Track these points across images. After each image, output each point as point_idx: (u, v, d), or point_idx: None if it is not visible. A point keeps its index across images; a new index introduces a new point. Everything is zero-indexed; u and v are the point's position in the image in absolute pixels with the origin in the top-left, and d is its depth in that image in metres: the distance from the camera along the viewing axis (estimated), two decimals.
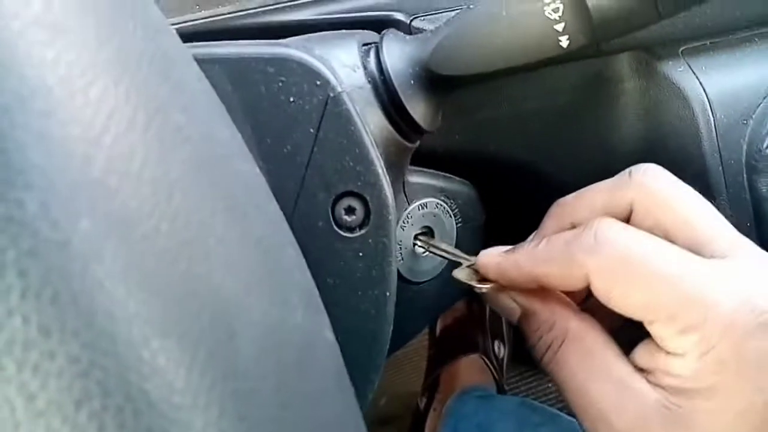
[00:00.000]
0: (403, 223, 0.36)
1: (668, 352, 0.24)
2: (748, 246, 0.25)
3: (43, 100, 0.13)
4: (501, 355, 0.91)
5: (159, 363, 0.13)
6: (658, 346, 0.25)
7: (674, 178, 0.27)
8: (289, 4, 0.34)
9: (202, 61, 0.26)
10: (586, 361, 0.26)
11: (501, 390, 0.85)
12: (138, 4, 0.17)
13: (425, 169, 0.37)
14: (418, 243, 0.35)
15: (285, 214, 0.26)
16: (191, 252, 0.15)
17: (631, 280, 0.24)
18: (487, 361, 0.86)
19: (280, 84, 0.26)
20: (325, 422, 0.18)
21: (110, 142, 0.14)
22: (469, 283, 0.30)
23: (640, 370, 0.25)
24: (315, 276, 0.25)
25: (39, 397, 0.12)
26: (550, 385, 0.93)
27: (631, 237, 0.25)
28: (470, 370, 0.87)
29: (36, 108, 0.13)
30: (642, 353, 0.25)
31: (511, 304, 0.29)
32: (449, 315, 0.88)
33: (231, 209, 0.17)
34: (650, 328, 0.24)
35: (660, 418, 0.24)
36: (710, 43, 0.34)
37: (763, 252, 0.25)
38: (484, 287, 0.29)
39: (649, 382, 0.25)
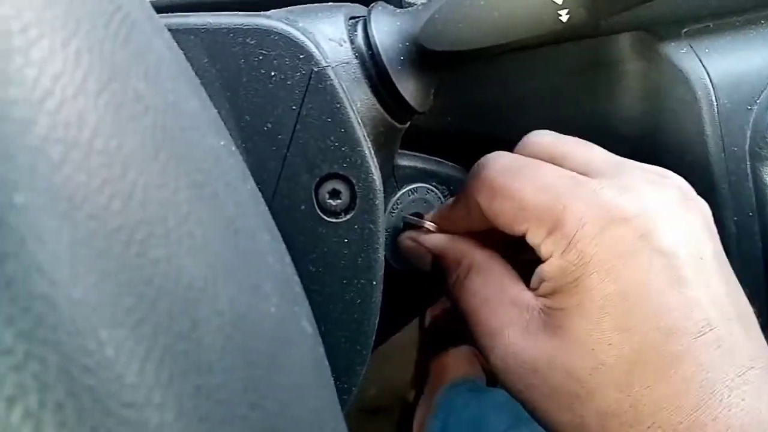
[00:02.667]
0: (392, 208, 0.34)
1: (543, 260, 0.26)
2: (631, 168, 0.28)
3: None
4: None
5: (107, 355, 0.12)
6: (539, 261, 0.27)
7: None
8: None
9: (176, 32, 0.25)
10: (486, 286, 0.28)
11: (491, 382, 0.84)
12: None
13: (416, 153, 0.35)
14: (410, 221, 0.34)
15: (265, 196, 0.25)
16: (148, 232, 0.13)
17: (504, 191, 0.27)
18: (477, 353, 0.85)
19: (261, 57, 0.25)
20: (299, 420, 0.16)
21: (54, 108, 0.12)
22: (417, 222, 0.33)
23: (532, 289, 0.28)
24: (297, 263, 0.23)
25: None
26: None
27: (510, 157, 0.29)
28: (460, 362, 0.86)
29: None
30: (534, 276, 0.27)
31: (421, 250, 0.32)
32: (438, 306, 0.87)
33: (197, 187, 0.15)
34: (528, 239, 0.27)
35: (540, 324, 0.26)
36: (714, 24, 0.32)
37: (645, 168, 0.28)
38: (430, 226, 0.33)
39: (535, 296, 0.27)
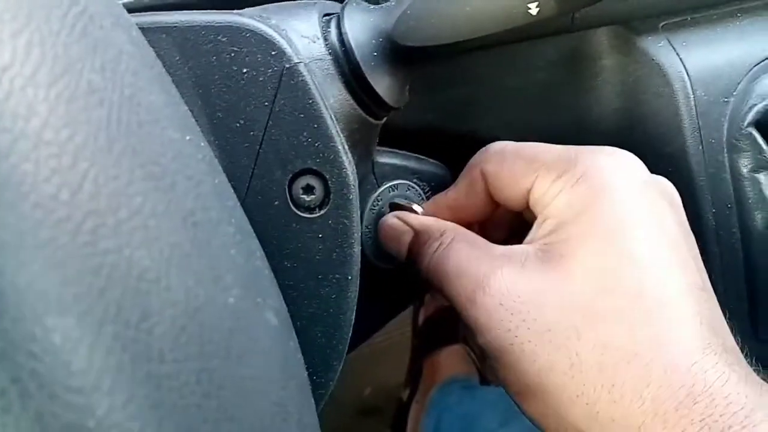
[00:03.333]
0: (372, 205, 0.34)
1: (546, 204, 0.27)
2: None
3: None
4: None
5: (54, 342, 0.12)
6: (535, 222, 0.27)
7: None
8: None
9: (147, 30, 0.25)
10: (473, 247, 0.28)
11: (484, 380, 0.84)
12: None
13: (396, 150, 0.35)
14: (399, 203, 0.34)
15: (238, 193, 0.25)
16: (97, 223, 0.13)
17: (515, 152, 0.29)
18: (470, 351, 0.85)
19: (233, 54, 0.25)
20: (259, 411, 0.16)
21: (1, 98, 0.12)
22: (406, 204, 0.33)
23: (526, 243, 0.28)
24: (272, 259, 0.23)
25: None
26: None
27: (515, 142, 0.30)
28: (453, 360, 0.86)
29: None
30: (530, 232, 0.28)
31: (403, 227, 0.31)
32: (431, 305, 0.87)
33: (153, 179, 0.15)
34: (534, 192, 0.27)
35: (538, 261, 0.26)
36: (691, 18, 0.32)
37: None
38: (417, 209, 0.33)
39: (530, 243, 0.27)
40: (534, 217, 0.29)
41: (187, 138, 0.19)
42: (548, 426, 0.25)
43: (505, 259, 0.26)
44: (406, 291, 0.38)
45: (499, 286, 0.26)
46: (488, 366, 0.28)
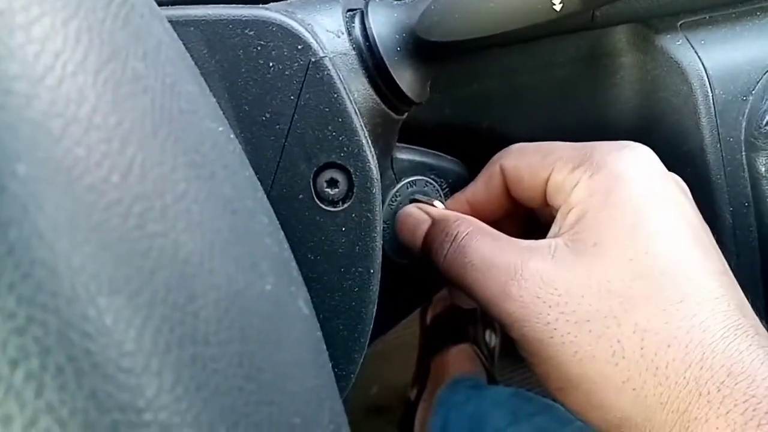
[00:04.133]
0: (391, 201, 0.35)
1: (566, 195, 0.27)
2: None
3: None
4: (492, 344, 0.90)
5: (106, 322, 0.12)
6: (555, 211, 0.28)
7: None
8: None
9: (176, 23, 0.25)
10: (496, 240, 0.28)
11: (492, 380, 0.84)
12: None
13: (414, 146, 0.35)
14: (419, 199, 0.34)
15: (263, 186, 0.25)
16: (146, 207, 0.14)
17: (533, 147, 0.30)
18: (478, 351, 0.85)
19: (259, 48, 0.25)
20: (295, 395, 0.17)
21: (55, 84, 0.13)
22: (426, 201, 0.33)
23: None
24: (295, 251, 0.23)
25: None
26: None
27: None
28: (461, 359, 0.86)
29: None
30: (553, 225, 0.28)
31: (423, 216, 0.32)
32: (439, 304, 0.87)
33: (195, 166, 0.16)
34: (551, 182, 0.28)
35: (569, 252, 0.26)
36: (709, 16, 0.33)
37: None
38: (438, 204, 0.33)
39: (555, 236, 0.27)
40: (550, 214, 0.29)
41: (220, 129, 0.19)
42: (593, 418, 0.25)
43: (534, 251, 0.26)
44: (423, 287, 0.39)
45: (534, 277, 0.25)
46: (526, 360, 0.27)
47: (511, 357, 0.92)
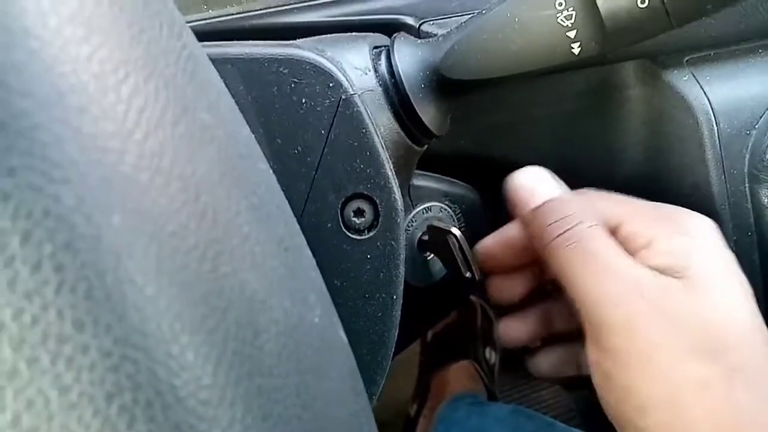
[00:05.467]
0: (408, 226, 0.36)
1: (644, 245, 0.28)
2: None
3: (78, 96, 0.13)
4: (492, 361, 0.91)
5: (188, 359, 0.13)
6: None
7: None
8: (297, 5, 0.34)
9: (215, 61, 0.26)
10: (620, 250, 0.28)
11: (492, 397, 0.85)
12: (162, 1, 0.17)
13: (430, 173, 0.37)
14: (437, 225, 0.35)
15: (294, 215, 0.26)
16: (218, 250, 0.15)
17: (598, 199, 0.31)
18: (478, 368, 0.86)
19: (293, 85, 0.26)
20: (341, 422, 0.18)
21: (141, 139, 0.14)
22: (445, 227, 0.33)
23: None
24: (323, 278, 0.25)
25: (72, 390, 0.12)
26: (543, 393, 0.94)
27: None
28: (461, 376, 0.87)
29: (72, 103, 0.13)
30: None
31: (552, 184, 0.32)
32: (440, 322, 0.88)
33: (255, 209, 0.17)
34: (623, 227, 0.29)
35: (678, 290, 0.27)
36: (714, 53, 0.34)
37: None
38: (455, 231, 0.33)
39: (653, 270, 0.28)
40: None
41: (269, 170, 0.20)
42: None
43: (651, 276, 0.28)
44: (435, 310, 0.40)
45: (654, 297, 0.27)
46: (599, 371, 0.28)
47: (510, 374, 0.93)
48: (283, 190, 0.26)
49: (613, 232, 0.30)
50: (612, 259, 0.28)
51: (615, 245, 0.29)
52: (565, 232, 0.29)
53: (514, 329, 0.36)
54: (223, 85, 0.19)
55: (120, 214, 0.13)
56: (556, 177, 0.32)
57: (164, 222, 0.14)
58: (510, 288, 0.35)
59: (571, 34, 0.25)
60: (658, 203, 0.30)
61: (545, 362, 0.36)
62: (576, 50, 0.26)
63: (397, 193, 0.28)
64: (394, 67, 0.28)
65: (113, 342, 0.12)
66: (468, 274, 0.33)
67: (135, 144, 0.14)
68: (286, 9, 0.34)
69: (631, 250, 0.29)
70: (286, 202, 0.21)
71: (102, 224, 0.13)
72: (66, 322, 0.12)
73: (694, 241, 0.29)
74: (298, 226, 0.21)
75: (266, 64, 0.26)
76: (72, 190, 0.12)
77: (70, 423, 0.12)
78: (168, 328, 0.13)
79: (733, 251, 0.34)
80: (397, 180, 0.29)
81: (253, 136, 0.19)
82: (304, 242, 0.20)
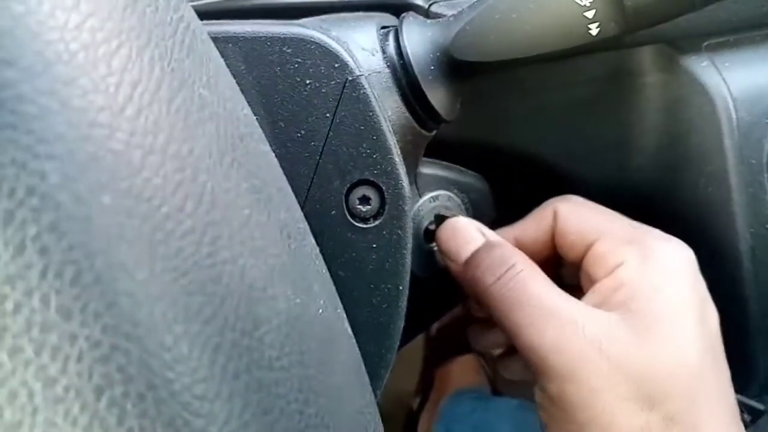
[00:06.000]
0: (414, 215, 0.35)
1: (611, 268, 0.28)
2: None
3: (66, 66, 0.12)
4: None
5: (182, 350, 0.12)
6: (595, 277, 0.29)
7: None
8: None
9: (215, 40, 0.25)
10: (554, 289, 0.28)
11: (496, 391, 0.84)
12: None
13: (437, 161, 0.36)
14: (443, 213, 0.34)
15: (297, 201, 0.25)
16: (216, 234, 0.14)
17: (587, 209, 0.31)
18: (483, 362, 0.86)
19: (297, 65, 0.25)
20: (346, 418, 0.17)
21: (134, 114, 0.13)
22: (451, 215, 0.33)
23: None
24: (326, 267, 0.24)
25: (58, 382, 0.11)
26: None
27: None
28: (465, 370, 0.86)
29: (60, 74, 0.12)
30: (589, 295, 0.29)
31: (476, 233, 0.31)
32: (445, 315, 0.87)
33: (255, 191, 0.16)
34: (594, 247, 0.29)
35: (622, 329, 0.26)
36: (734, 39, 0.33)
37: None
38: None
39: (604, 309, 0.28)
40: (574, 274, 0.31)
41: (270, 151, 0.19)
42: None
43: (595, 314, 0.27)
44: (440, 302, 0.39)
45: (595, 339, 0.26)
46: (544, 412, 0.28)
47: None
48: (285, 176, 0.25)
49: (588, 247, 0.29)
50: (549, 300, 0.28)
51: (552, 285, 0.28)
52: (499, 278, 0.29)
53: (487, 339, 0.37)
54: (222, 61, 0.18)
55: (110, 193, 0.12)
56: (482, 225, 0.32)
57: (158, 203, 0.13)
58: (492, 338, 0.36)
59: (589, 14, 0.24)
60: (636, 224, 0.30)
61: (515, 367, 0.37)
62: (594, 31, 0.25)
63: (404, 180, 0.27)
64: (403, 48, 0.27)
65: (102, 331, 0.12)
66: None
67: (127, 120, 0.13)
68: None
69: (598, 272, 0.29)
70: (289, 186, 0.20)
71: (91, 204, 0.12)
72: (51, 310, 0.11)
73: (659, 273, 0.28)
74: (301, 212, 0.20)
75: (269, 44, 0.25)
76: (59, 167, 0.11)
77: (55, 418, 0.11)
78: (161, 317, 0.12)
79: (749, 243, 0.33)
80: (404, 166, 0.28)
81: (254, 116, 0.18)
82: (308, 229, 0.19)
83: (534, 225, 0.32)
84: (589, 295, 0.29)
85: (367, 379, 0.20)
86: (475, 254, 0.30)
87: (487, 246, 0.30)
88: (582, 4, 0.24)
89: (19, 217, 0.11)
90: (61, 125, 0.12)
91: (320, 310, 0.17)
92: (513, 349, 0.36)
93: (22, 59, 0.12)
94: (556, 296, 0.28)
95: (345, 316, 0.20)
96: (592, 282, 0.29)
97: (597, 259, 0.29)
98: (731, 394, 0.28)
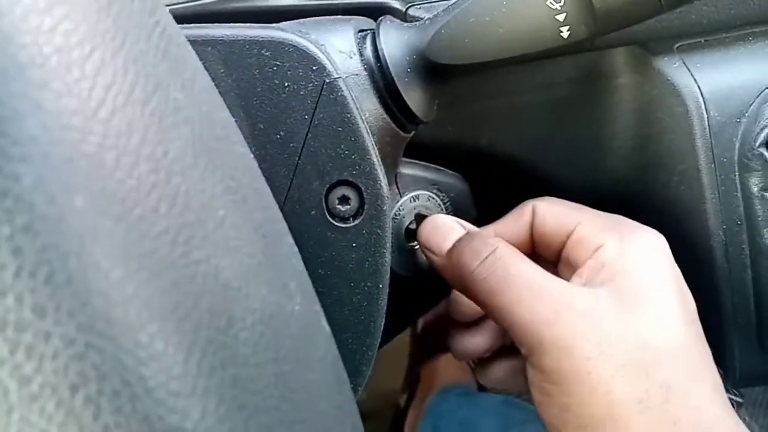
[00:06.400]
0: (395, 215, 0.35)
1: (592, 250, 0.29)
2: None
3: (39, 69, 0.12)
4: (475, 363, 0.90)
5: (157, 347, 0.13)
6: (576, 260, 0.30)
7: None
8: None
9: (194, 43, 0.25)
10: (539, 270, 0.29)
11: (482, 387, 0.85)
12: None
13: (417, 161, 0.36)
14: (423, 213, 0.35)
15: (276, 202, 0.26)
16: (190, 235, 0.14)
17: (563, 203, 0.32)
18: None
19: (275, 68, 0.26)
20: (323, 414, 0.17)
21: (107, 117, 0.13)
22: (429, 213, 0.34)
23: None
24: (306, 266, 0.24)
25: (33, 380, 0.11)
26: None
27: None
28: (451, 367, 0.87)
29: (33, 77, 0.12)
30: (574, 278, 0.29)
31: (455, 225, 0.32)
32: (430, 312, 0.88)
33: (231, 192, 0.16)
34: (575, 233, 0.30)
35: (610, 304, 0.27)
36: (705, 40, 0.34)
37: None
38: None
39: (589, 285, 0.29)
40: (554, 264, 0.32)
41: (247, 153, 0.19)
42: None
43: (581, 291, 0.28)
44: (423, 300, 0.39)
45: (584, 313, 0.27)
46: (538, 390, 0.28)
47: None
48: (265, 177, 0.25)
49: (567, 236, 0.31)
50: (536, 277, 0.28)
51: (534, 265, 0.29)
52: (483, 261, 0.29)
53: (469, 342, 0.36)
54: (200, 64, 0.19)
55: (84, 195, 0.12)
56: (461, 220, 0.33)
57: (132, 204, 0.13)
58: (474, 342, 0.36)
59: (561, 17, 0.25)
60: (610, 214, 0.31)
61: (495, 374, 0.37)
62: (565, 34, 0.25)
63: (382, 180, 0.27)
64: (380, 51, 0.28)
65: (77, 329, 0.12)
66: None
67: (100, 122, 0.13)
68: None
69: (579, 256, 0.30)
70: (267, 187, 0.20)
71: (64, 205, 0.12)
72: (26, 308, 0.11)
73: (638, 252, 0.29)
74: (279, 213, 0.20)
75: (247, 47, 0.26)
76: (32, 169, 0.12)
77: (31, 416, 0.11)
78: (135, 315, 0.13)
79: (723, 239, 0.34)
80: (382, 167, 0.28)
81: (231, 118, 0.19)
82: (285, 229, 0.19)
83: (512, 222, 0.33)
84: (574, 278, 0.29)
85: (345, 375, 0.21)
86: (457, 243, 0.31)
87: (468, 235, 0.31)
88: (553, 7, 0.25)
89: None
90: (34, 128, 0.12)
91: (296, 308, 0.17)
92: (491, 357, 0.36)
93: None
94: (542, 275, 0.28)
95: (323, 313, 0.20)
96: (572, 267, 0.30)
97: (578, 243, 0.30)
98: (715, 370, 0.28)
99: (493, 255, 0.29)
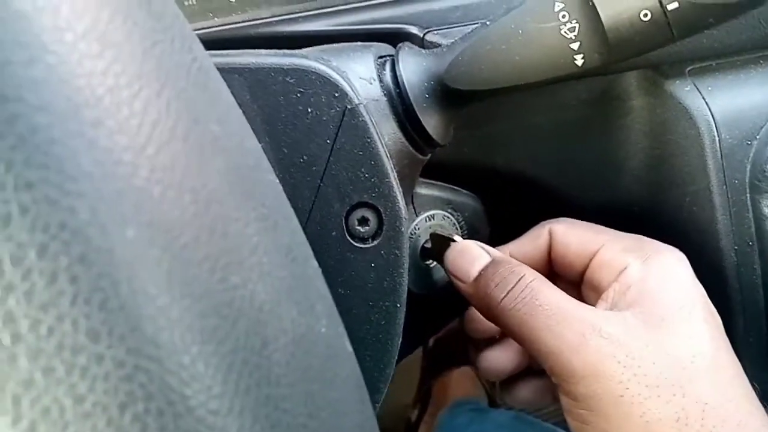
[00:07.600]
0: (411, 234, 0.36)
1: (616, 272, 0.30)
2: None
3: (93, 109, 0.13)
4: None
5: (198, 368, 0.14)
6: (601, 282, 0.30)
7: None
8: (302, 14, 0.35)
9: (222, 70, 0.27)
10: (565, 297, 0.29)
11: (493, 403, 0.85)
12: (174, 15, 0.18)
13: (433, 181, 0.37)
14: (439, 233, 0.36)
15: (299, 223, 0.26)
16: (228, 261, 0.15)
17: (583, 225, 0.33)
18: (479, 373, 0.86)
19: (299, 95, 0.27)
20: (348, 430, 0.18)
21: (154, 152, 0.14)
22: (447, 235, 0.34)
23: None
24: (327, 286, 0.25)
25: (87, 399, 0.12)
26: None
27: None
28: (462, 382, 0.87)
29: (87, 117, 0.13)
30: (600, 303, 0.30)
31: (480, 252, 0.32)
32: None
33: (263, 219, 0.17)
34: (599, 255, 0.31)
35: (638, 324, 0.28)
36: (716, 63, 0.34)
37: None
38: (458, 239, 0.33)
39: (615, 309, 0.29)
40: (590, 286, 0.32)
41: (276, 180, 0.20)
42: None
43: (608, 315, 0.28)
44: (437, 318, 0.40)
45: (612, 337, 0.27)
46: (575, 418, 0.28)
47: None
48: (288, 199, 0.26)
49: (591, 257, 0.31)
50: (563, 305, 0.28)
51: (562, 293, 0.29)
52: (510, 290, 0.29)
53: (497, 361, 0.36)
54: (232, 97, 0.20)
55: (134, 227, 0.13)
56: (485, 245, 0.33)
57: (176, 234, 0.14)
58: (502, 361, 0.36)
59: (575, 46, 0.26)
60: (631, 234, 0.32)
61: (523, 393, 0.37)
62: (579, 62, 0.26)
63: (401, 202, 0.28)
64: (399, 77, 0.29)
65: (127, 352, 0.13)
66: None
67: (148, 157, 0.14)
68: (291, 18, 0.34)
69: (603, 278, 0.30)
70: (293, 211, 0.21)
71: (116, 236, 0.13)
72: (81, 333, 0.12)
73: (662, 272, 0.29)
74: (303, 236, 0.21)
75: (272, 74, 0.27)
76: (87, 203, 0.13)
77: None
78: (179, 339, 0.13)
79: (734, 260, 0.35)
80: (401, 189, 0.29)
81: (260, 146, 0.20)
82: (310, 252, 0.20)
83: (529, 243, 0.34)
84: (600, 303, 0.30)
85: (366, 393, 0.21)
86: (484, 271, 0.31)
87: (495, 263, 0.31)
88: (567, 36, 0.25)
89: (52, 250, 0.12)
90: (89, 164, 0.13)
91: (323, 329, 0.18)
92: (517, 376, 0.37)
93: (53, 105, 0.13)
94: (568, 302, 0.29)
95: (345, 333, 0.21)
96: (597, 290, 0.31)
97: (602, 265, 0.31)
98: (748, 383, 0.28)
99: (521, 282, 0.29)
